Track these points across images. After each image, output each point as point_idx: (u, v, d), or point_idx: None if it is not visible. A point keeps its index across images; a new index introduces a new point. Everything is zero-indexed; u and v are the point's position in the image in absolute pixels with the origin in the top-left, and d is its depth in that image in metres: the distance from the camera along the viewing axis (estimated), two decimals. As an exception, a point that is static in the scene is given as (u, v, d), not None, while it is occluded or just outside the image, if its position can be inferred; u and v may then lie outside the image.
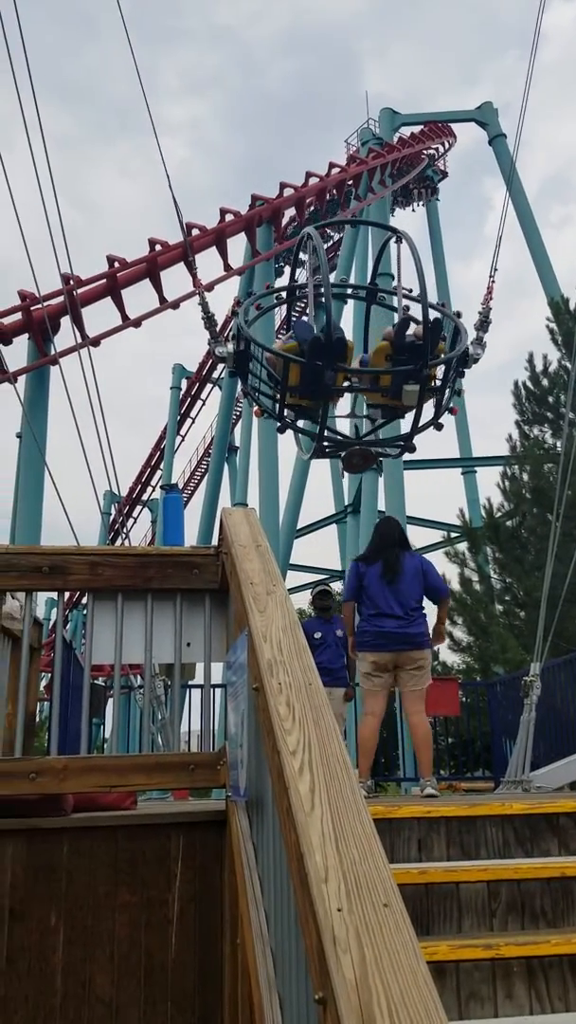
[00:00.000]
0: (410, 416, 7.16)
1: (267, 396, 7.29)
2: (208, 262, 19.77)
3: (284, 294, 9.20)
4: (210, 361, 34.29)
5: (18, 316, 15.47)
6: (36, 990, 3.15)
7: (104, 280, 16.52)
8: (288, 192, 22.10)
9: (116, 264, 16.64)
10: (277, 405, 6.95)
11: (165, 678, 6.72)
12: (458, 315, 7.41)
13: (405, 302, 7.24)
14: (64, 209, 9.18)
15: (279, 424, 7.15)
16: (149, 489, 37.17)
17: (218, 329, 7.42)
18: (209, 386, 35.07)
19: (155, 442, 37.06)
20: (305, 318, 7.24)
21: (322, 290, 6.87)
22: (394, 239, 7.50)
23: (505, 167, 27.14)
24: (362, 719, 5.80)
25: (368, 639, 5.60)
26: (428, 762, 5.55)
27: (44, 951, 3.18)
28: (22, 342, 15.97)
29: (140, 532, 37.66)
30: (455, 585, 15.88)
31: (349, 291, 9.91)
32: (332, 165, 24.42)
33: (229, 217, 19.80)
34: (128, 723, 11.23)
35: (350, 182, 25.02)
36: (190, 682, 7.48)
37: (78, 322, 14.37)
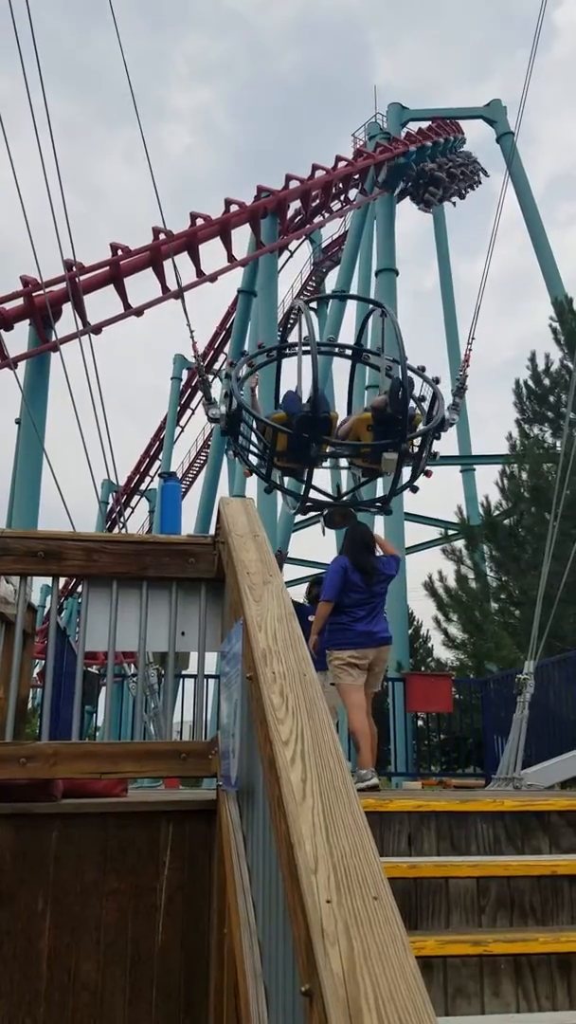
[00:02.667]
0: (388, 476, 7.76)
1: (255, 455, 7.75)
2: (212, 251, 19.77)
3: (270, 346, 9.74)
4: (211, 353, 34.27)
5: (20, 301, 15.42)
6: (21, 975, 3.14)
7: (107, 267, 16.47)
8: (294, 184, 22.03)
9: (119, 252, 16.59)
10: (264, 468, 7.38)
11: (159, 667, 6.71)
12: (436, 381, 7.89)
13: (388, 363, 7.83)
14: (68, 195, 9.15)
15: (267, 485, 7.58)
16: (147, 479, 37.12)
17: (203, 359, 7.93)
18: (211, 377, 34.96)
19: (154, 432, 37.01)
20: (293, 387, 7.66)
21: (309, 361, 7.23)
22: (379, 312, 8.05)
23: (513, 167, 27.07)
24: (351, 713, 5.87)
25: (351, 638, 5.91)
26: (373, 756, 5.93)
27: (31, 936, 3.17)
28: (23, 328, 15.93)
29: (137, 522, 37.63)
30: (451, 582, 15.90)
31: (336, 350, 10.62)
32: (339, 158, 24.33)
33: (234, 208, 19.75)
34: (120, 712, 11.23)
35: (356, 176, 24.94)
36: (183, 672, 7.47)
37: (80, 309, 14.31)
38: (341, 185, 24.73)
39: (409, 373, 7.33)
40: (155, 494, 34.01)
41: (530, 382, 16.19)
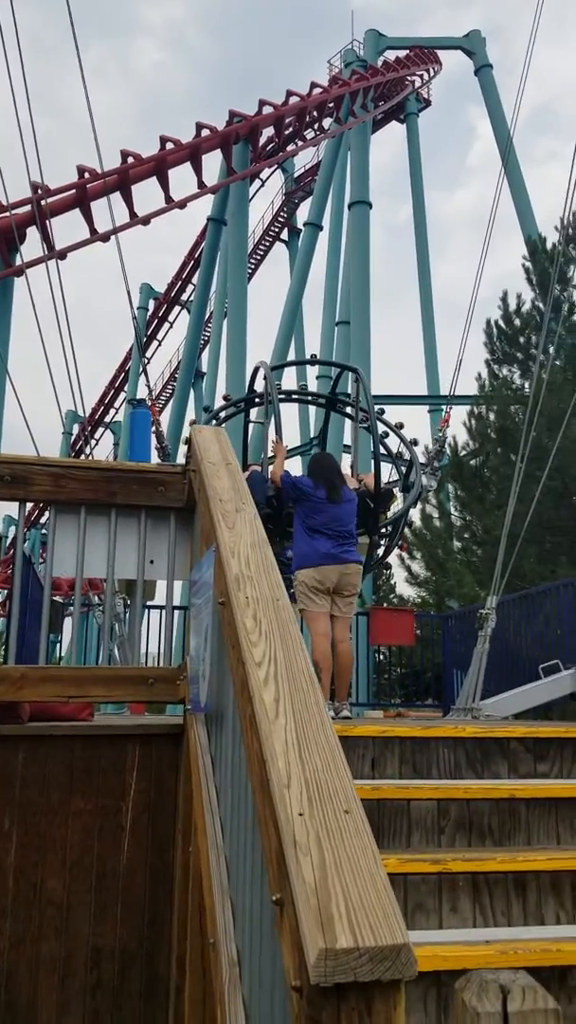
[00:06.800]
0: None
1: None
2: (182, 178, 19.24)
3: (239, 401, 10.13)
4: (179, 283, 33.63)
5: (-17, 223, 14.94)
6: (-12, 891, 3.18)
7: (73, 191, 16.00)
8: (267, 110, 21.42)
9: (86, 175, 16.10)
10: None
11: (125, 596, 6.72)
12: (414, 442, 8.23)
13: (365, 418, 8.06)
14: (35, 114, 8.80)
15: None
16: (112, 411, 36.67)
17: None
18: (177, 308, 34.40)
19: (119, 363, 36.45)
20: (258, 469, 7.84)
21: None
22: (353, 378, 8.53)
23: (491, 100, 26.47)
24: (314, 641, 5.84)
25: (313, 559, 5.76)
26: (346, 687, 5.88)
27: (-3, 854, 3.21)
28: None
29: (102, 454, 37.22)
30: (416, 520, 16.01)
31: (309, 398, 10.97)
32: (314, 84, 23.67)
33: (205, 132, 19.20)
34: (85, 641, 11.26)
35: (331, 104, 24.29)
36: (150, 603, 7.48)
37: (45, 233, 13.91)
38: (315, 113, 24.11)
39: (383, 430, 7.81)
40: (120, 427, 33.64)
41: (501, 322, 16.08)
